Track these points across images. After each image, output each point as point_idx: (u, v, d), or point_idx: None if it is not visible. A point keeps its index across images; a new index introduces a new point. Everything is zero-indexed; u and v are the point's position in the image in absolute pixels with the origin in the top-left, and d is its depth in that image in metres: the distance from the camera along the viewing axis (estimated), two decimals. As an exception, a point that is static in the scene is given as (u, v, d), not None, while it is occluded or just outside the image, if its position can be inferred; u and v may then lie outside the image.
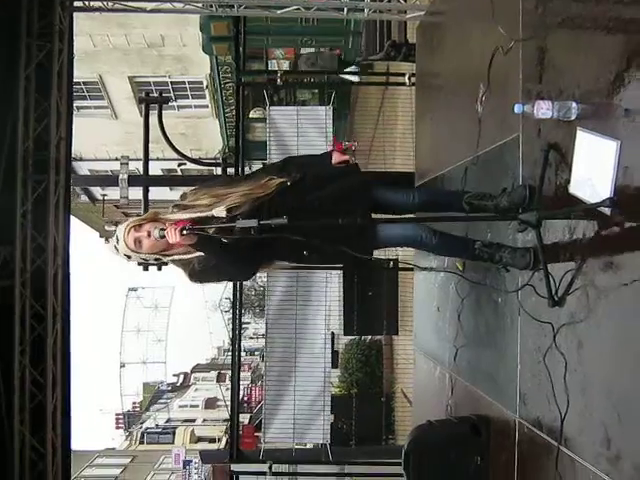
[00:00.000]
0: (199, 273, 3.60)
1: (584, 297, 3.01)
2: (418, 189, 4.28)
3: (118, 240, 3.53)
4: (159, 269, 9.41)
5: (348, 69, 13.10)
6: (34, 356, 6.42)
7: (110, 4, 7.05)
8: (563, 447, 3.11)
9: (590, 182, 2.93)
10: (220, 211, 3.42)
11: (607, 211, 2.80)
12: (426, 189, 4.79)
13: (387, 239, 3.85)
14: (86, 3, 7.03)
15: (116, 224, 3.56)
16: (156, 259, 3.67)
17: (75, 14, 7.01)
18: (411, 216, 4.22)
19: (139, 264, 8.90)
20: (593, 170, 2.91)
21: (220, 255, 3.52)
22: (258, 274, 4.08)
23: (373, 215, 3.80)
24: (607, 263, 2.87)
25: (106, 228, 20.12)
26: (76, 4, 6.97)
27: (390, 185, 4.12)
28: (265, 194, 3.56)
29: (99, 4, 7.05)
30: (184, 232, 3.33)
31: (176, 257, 3.60)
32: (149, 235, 3.46)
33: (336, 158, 3.87)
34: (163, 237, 3.39)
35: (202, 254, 3.52)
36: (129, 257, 3.59)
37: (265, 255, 3.75)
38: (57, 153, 6.59)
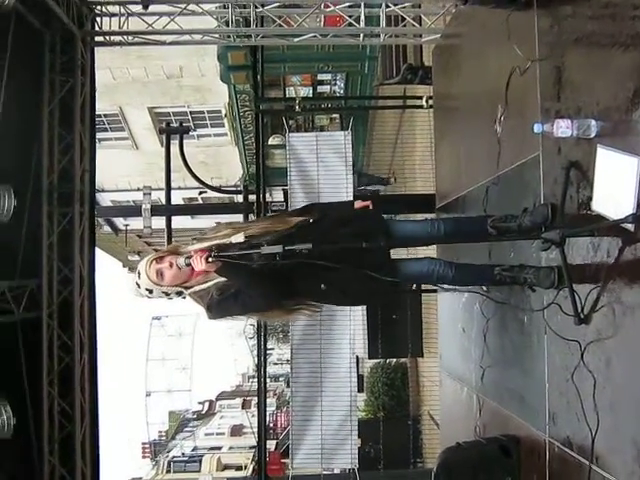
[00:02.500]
0: (218, 303, 3.58)
1: (610, 314, 3.00)
2: (443, 219, 4.30)
3: (140, 275, 3.58)
4: (182, 297, 9.43)
5: None
6: (62, 387, 6.47)
7: (130, 38, 7.18)
8: (595, 466, 3.09)
9: (612, 199, 2.94)
10: (238, 237, 3.48)
11: (630, 227, 2.80)
12: (450, 219, 4.80)
13: (404, 277, 3.87)
14: (107, 38, 7.17)
15: (139, 253, 3.60)
16: (177, 292, 3.69)
17: (96, 48, 7.15)
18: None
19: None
20: (615, 187, 2.92)
21: (243, 280, 3.53)
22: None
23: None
24: (632, 279, 2.86)
25: (129, 258, 20.25)
26: (97, 39, 7.11)
27: (410, 221, 4.18)
28: (285, 228, 3.61)
29: (119, 39, 7.18)
30: (210, 259, 3.38)
31: (197, 288, 3.62)
32: (171, 266, 3.52)
33: (358, 204, 3.96)
34: (189, 265, 3.43)
35: (222, 280, 3.53)
36: (150, 291, 3.62)
37: (285, 287, 3.72)
38: (81, 185, 6.68)
